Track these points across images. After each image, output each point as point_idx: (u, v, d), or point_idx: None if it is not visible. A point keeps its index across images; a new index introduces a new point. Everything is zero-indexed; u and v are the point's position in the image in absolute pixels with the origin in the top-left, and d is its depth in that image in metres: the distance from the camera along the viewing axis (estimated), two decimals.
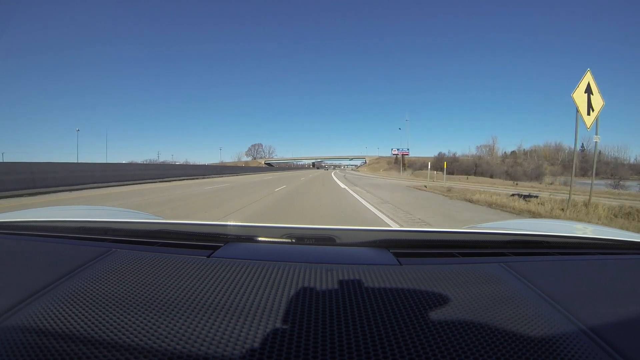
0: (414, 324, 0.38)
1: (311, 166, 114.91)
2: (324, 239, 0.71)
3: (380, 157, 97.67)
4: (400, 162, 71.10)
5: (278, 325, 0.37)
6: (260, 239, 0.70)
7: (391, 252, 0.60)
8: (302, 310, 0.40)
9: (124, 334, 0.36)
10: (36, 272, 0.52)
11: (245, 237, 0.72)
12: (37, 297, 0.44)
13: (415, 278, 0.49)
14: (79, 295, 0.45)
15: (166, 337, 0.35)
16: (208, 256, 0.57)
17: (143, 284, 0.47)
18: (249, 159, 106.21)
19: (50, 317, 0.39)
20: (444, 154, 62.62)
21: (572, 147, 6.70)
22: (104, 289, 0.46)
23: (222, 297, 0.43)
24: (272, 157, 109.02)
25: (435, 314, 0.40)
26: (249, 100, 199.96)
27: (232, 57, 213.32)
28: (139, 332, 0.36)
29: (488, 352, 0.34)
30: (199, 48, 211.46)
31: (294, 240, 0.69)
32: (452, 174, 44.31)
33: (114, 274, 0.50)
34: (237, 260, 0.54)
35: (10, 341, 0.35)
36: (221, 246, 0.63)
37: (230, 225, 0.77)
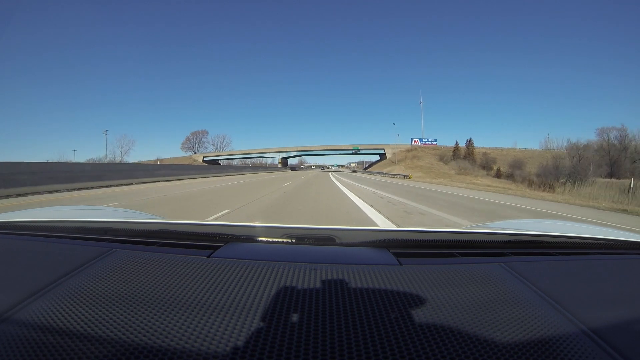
0: (414, 324, 0.38)
1: (279, 165, 70.92)
2: (324, 239, 0.71)
3: (413, 147, 57.64)
4: (459, 156, 44.14)
5: (278, 324, 0.37)
6: (260, 239, 0.71)
7: (391, 252, 0.60)
8: (302, 310, 0.40)
9: (124, 333, 0.36)
10: (37, 272, 0.52)
11: (245, 237, 0.72)
12: (38, 295, 0.44)
13: (415, 278, 0.49)
14: (80, 293, 0.45)
15: (167, 336, 0.35)
16: (208, 256, 0.57)
17: (143, 284, 0.47)
18: (189, 153, 77.28)
19: (51, 315, 0.40)
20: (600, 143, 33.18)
21: None
22: (104, 288, 0.46)
23: (222, 297, 0.43)
24: (224, 151, 76.65)
25: (435, 314, 0.40)
26: (191, 82, 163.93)
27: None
28: (140, 330, 0.36)
29: (488, 353, 0.34)
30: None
31: (294, 240, 0.69)
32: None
33: (114, 273, 0.51)
34: (237, 260, 0.54)
35: (12, 337, 0.36)
36: (221, 246, 0.63)
37: (230, 225, 0.77)
